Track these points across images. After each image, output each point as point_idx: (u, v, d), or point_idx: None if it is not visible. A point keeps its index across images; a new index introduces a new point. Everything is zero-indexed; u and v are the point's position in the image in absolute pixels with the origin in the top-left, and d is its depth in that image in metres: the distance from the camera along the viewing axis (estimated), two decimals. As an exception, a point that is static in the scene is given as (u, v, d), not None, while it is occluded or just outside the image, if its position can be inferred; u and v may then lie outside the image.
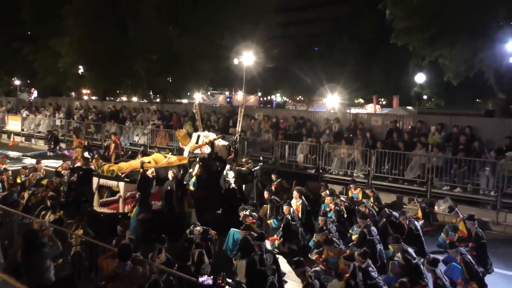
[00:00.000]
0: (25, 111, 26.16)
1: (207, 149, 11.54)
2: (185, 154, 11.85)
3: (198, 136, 12.10)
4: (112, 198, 9.72)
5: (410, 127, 14.27)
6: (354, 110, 31.85)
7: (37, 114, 24.74)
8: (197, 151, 11.63)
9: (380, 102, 40.57)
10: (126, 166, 9.96)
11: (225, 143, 12.57)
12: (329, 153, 13.73)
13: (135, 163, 10.31)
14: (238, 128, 13.61)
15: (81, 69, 27.34)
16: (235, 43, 24.20)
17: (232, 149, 12.33)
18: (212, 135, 12.12)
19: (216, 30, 22.91)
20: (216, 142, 11.76)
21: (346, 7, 46.70)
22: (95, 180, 9.53)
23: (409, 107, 34.44)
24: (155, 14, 22.02)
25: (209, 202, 10.22)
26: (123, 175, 9.52)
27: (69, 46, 24.28)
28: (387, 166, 12.46)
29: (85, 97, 35.23)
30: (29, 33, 29.23)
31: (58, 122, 23.15)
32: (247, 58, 27.43)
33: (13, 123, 24.58)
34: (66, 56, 24.83)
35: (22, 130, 23.87)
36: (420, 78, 36.14)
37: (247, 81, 31.58)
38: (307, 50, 47.17)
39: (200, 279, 4.54)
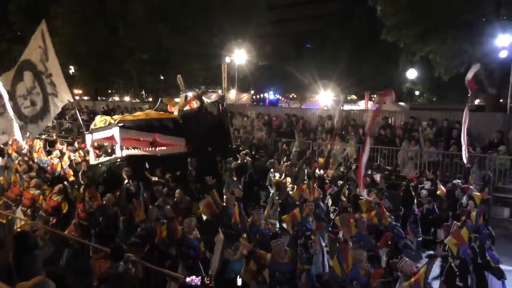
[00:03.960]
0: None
1: (196, 104, 11.60)
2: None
3: (186, 97, 12.14)
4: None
5: (402, 123, 14.32)
6: (346, 107, 31.86)
7: (28, 115, 24.40)
8: (187, 107, 11.63)
9: (373, 99, 40.53)
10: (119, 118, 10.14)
11: (214, 100, 12.58)
12: (322, 150, 13.75)
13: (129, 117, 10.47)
14: (224, 85, 13.46)
15: (71, 69, 27.02)
16: (226, 41, 24.07)
17: (220, 105, 12.19)
18: None
19: (206, 28, 22.78)
20: (204, 99, 11.78)
21: (337, 3, 46.75)
22: (88, 137, 9.82)
23: (401, 103, 34.44)
24: (144, 13, 21.85)
25: None
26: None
27: (58, 46, 23.95)
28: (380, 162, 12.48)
29: (77, 97, 34.86)
30: (18, 33, 28.83)
31: (49, 123, 22.81)
32: (239, 56, 27.33)
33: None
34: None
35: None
36: (412, 74, 36.24)
37: (239, 80, 31.49)
38: (299, 47, 47.06)
39: (188, 279, 4.50)
